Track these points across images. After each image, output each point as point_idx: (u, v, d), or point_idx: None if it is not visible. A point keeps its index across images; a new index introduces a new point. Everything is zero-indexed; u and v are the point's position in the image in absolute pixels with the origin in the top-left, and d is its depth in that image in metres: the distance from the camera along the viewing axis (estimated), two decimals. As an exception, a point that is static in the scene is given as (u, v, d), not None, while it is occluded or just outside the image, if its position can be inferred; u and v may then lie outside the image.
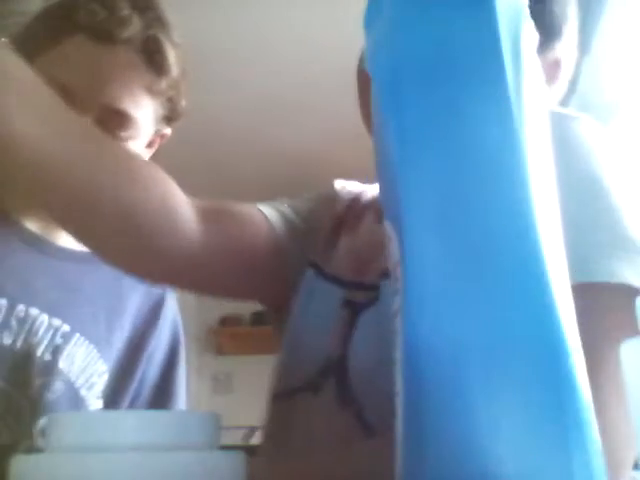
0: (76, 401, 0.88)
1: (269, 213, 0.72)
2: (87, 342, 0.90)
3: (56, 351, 0.87)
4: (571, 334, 0.31)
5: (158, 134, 0.93)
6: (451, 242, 0.32)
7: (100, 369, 0.92)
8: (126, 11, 0.83)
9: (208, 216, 0.67)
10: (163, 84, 0.87)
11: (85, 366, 0.90)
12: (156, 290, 1.00)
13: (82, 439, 0.33)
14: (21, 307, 0.85)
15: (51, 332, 0.87)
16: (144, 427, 0.33)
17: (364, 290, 0.66)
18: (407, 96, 0.34)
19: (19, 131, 0.53)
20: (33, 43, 0.85)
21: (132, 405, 0.95)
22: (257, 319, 4.22)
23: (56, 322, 0.88)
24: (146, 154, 0.94)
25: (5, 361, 0.83)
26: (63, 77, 0.82)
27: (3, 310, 0.84)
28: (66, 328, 0.88)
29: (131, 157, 0.64)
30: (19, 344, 0.84)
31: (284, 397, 0.69)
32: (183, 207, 0.64)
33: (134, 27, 0.84)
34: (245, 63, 2.78)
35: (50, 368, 0.86)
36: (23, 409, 0.84)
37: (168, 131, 0.95)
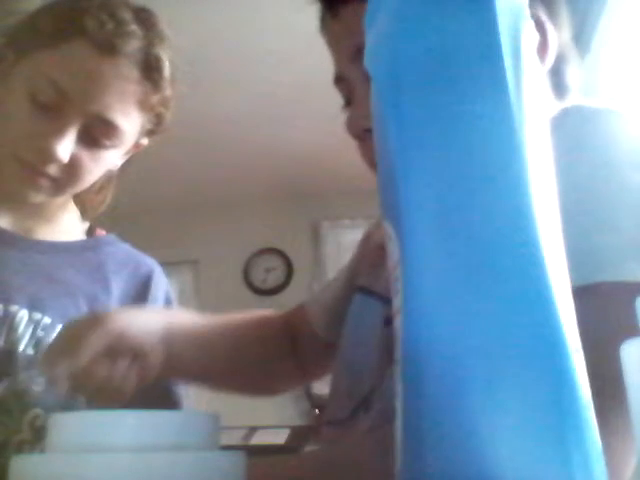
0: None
1: (313, 302, 0.92)
2: None
3: (38, 344, 0.87)
4: (571, 334, 0.31)
5: (136, 144, 0.94)
6: (451, 242, 0.32)
7: None
8: (133, 26, 0.85)
9: (286, 329, 0.91)
10: (155, 100, 0.89)
11: None
12: (142, 270, 1.00)
13: (82, 439, 0.33)
14: None
15: (32, 326, 0.87)
16: (144, 427, 0.33)
17: None
18: (407, 96, 0.34)
19: (183, 359, 0.81)
20: (34, 37, 0.86)
21: None
22: (257, 319, 4.22)
23: (36, 316, 0.88)
24: (121, 160, 0.95)
25: None
26: (60, 78, 0.83)
27: None
28: (47, 320, 0.88)
29: (246, 336, 0.90)
30: (0, 343, 0.84)
31: (338, 424, 0.71)
32: (280, 340, 0.90)
33: (138, 42, 0.86)
34: (245, 63, 2.79)
35: (33, 361, 0.86)
36: (12, 405, 0.84)
37: (145, 141, 0.96)
